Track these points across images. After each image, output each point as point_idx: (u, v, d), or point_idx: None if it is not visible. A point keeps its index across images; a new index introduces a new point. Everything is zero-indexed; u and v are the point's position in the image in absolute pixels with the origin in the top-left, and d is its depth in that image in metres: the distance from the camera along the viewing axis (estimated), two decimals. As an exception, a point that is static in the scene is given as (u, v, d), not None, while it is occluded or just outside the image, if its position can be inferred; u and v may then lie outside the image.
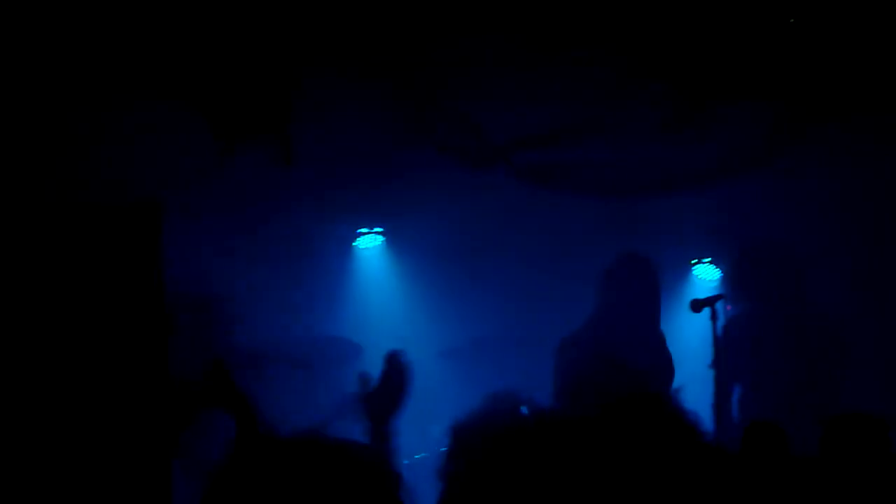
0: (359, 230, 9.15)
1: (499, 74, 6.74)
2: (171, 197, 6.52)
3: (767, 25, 6.53)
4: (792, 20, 6.56)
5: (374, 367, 8.45)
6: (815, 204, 8.13)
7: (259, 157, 6.62)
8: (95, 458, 5.63)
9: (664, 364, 7.26)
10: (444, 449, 2.90)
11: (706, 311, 7.47)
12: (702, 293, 7.75)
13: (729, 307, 8.06)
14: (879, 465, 4.60)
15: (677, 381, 7.13)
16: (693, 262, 9.40)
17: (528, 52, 6.59)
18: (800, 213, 8.18)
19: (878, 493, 4.49)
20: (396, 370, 4.10)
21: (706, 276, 9.30)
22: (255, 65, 6.29)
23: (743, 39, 6.56)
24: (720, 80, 6.65)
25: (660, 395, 2.43)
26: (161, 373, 6.08)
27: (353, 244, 9.20)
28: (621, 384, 6.16)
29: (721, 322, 7.48)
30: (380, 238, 9.17)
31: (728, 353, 7.32)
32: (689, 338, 7.63)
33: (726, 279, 7.97)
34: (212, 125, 6.38)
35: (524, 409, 3.95)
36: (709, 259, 9.35)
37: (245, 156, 6.57)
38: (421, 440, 7.00)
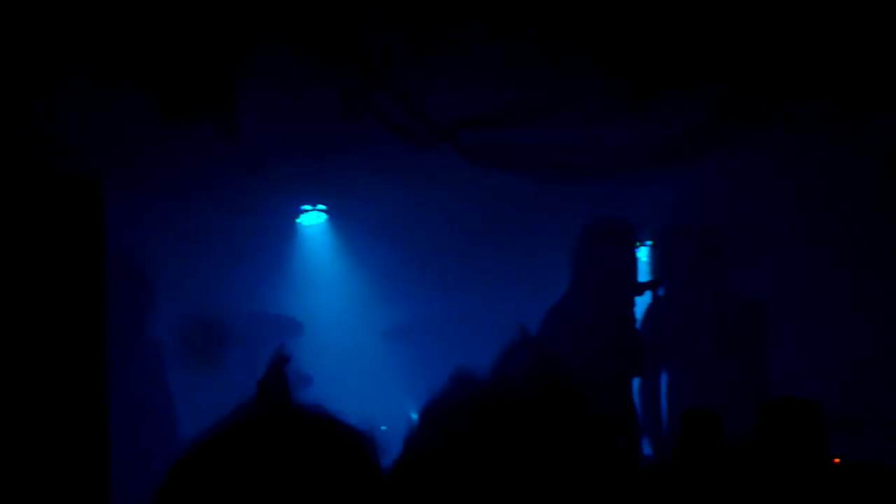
0: (302, 207, 9.12)
1: (445, 53, 6.72)
2: (113, 170, 6.48)
3: (718, 8, 6.55)
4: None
5: (314, 344, 8.50)
6: (760, 189, 8.18)
7: (203, 132, 6.57)
8: (29, 436, 5.58)
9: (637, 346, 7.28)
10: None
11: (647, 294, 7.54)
12: (645, 277, 7.79)
13: (663, 292, 8.10)
14: (813, 450, 4.63)
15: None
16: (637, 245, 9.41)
17: (475, 32, 6.57)
18: (744, 197, 8.22)
19: (812, 479, 4.52)
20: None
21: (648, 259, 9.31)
22: (202, 39, 6.23)
23: (693, 23, 6.57)
24: (668, 64, 6.66)
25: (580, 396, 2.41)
26: (98, 350, 6.04)
27: (297, 221, 9.16)
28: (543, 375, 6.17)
29: (651, 304, 7.55)
30: (323, 215, 9.14)
31: (656, 335, 7.37)
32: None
33: (657, 261, 7.98)
34: (156, 99, 6.32)
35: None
36: (650, 243, 9.37)
37: (189, 130, 6.52)
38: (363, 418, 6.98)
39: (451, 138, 7.30)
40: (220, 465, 1.99)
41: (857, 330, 8.14)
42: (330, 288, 9.22)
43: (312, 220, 9.16)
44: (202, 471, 2.01)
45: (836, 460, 5.78)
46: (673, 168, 7.75)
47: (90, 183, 6.06)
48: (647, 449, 7.27)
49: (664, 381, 7.58)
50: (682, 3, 6.49)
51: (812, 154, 7.71)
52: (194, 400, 7.61)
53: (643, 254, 9.30)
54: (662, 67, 6.64)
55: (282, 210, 8.98)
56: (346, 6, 6.47)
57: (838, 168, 7.80)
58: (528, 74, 6.92)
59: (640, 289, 7.42)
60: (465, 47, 6.70)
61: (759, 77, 6.81)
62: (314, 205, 9.11)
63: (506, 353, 2.55)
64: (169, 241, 8.22)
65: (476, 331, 7.82)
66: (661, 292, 7.88)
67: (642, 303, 7.52)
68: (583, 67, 6.81)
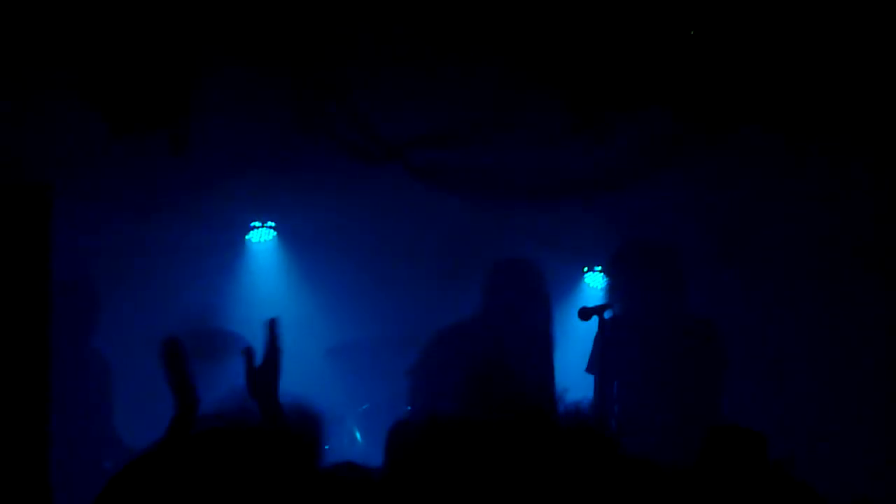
0: (251, 223, 9.10)
1: (396, 73, 6.75)
2: (61, 181, 6.45)
3: (663, 35, 6.61)
4: (692, 32, 6.64)
5: (257, 361, 8.44)
6: (706, 213, 8.25)
7: (152, 145, 6.55)
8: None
9: (544, 372, 7.34)
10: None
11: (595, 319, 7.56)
12: (592, 301, 7.81)
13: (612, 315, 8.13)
14: (755, 478, 4.65)
15: (568, 388, 7.17)
16: (585, 269, 9.45)
17: (426, 53, 6.61)
18: (691, 220, 8.29)
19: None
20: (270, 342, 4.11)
21: (597, 284, 9.35)
22: (150, 53, 6.22)
23: (638, 49, 6.63)
24: (615, 89, 6.70)
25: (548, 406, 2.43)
26: (42, 360, 6.01)
27: (245, 237, 9.14)
28: (509, 391, 6.22)
29: (604, 326, 7.58)
30: (272, 232, 9.12)
31: (606, 358, 7.39)
32: (582, 345, 7.69)
33: (609, 284, 8.01)
34: (105, 112, 6.30)
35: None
36: (600, 267, 9.41)
37: (138, 142, 6.50)
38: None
39: (401, 157, 7.33)
40: (153, 479, 2.00)
41: (798, 356, 8.26)
42: (276, 304, 9.19)
43: (261, 236, 9.13)
44: (135, 484, 2.02)
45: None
46: (621, 190, 7.80)
47: (38, 190, 6.03)
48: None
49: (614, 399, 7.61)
50: (629, 29, 6.54)
51: (755, 178, 7.79)
52: (141, 410, 7.58)
53: (593, 279, 9.37)
54: (611, 91, 6.69)
55: (231, 226, 8.96)
56: (299, 23, 6.48)
57: (779, 192, 7.90)
58: (479, 96, 6.96)
59: (588, 314, 7.45)
60: (417, 67, 6.73)
61: (706, 102, 6.87)
62: (263, 221, 9.09)
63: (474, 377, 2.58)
64: (115, 254, 8.19)
65: (423, 352, 7.85)
66: (607, 315, 7.93)
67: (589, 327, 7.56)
68: (534, 90, 6.86)
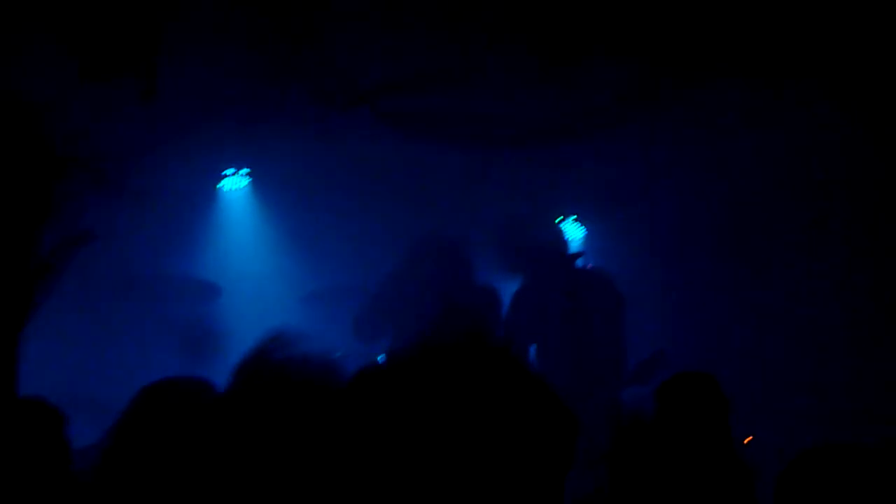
0: (225, 170, 9.06)
1: (367, 21, 6.72)
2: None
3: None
4: None
5: (233, 307, 8.49)
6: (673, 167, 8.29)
7: (121, 93, 6.51)
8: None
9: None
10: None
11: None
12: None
13: (590, 265, 8.15)
14: (717, 422, 4.67)
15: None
16: (559, 219, 9.44)
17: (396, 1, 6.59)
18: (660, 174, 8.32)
19: (718, 455, 4.55)
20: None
21: (571, 233, 9.34)
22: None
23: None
24: (586, 36, 6.69)
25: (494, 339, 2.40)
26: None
27: (219, 184, 9.12)
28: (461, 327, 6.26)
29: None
30: (246, 179, 9.09)
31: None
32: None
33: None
34: (75, 55, 6.24)
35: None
36: (574, 216, 9.42)
37: (107, 89, 6.46)
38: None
39: (372, 105, 7.31)
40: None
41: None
42: (250, 252, 9.19)
43: (235, 184, 9.10)
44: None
45: (749, 439, 5.87)
46: (590, 140, 7.80)
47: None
48: None
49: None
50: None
51: (724, 136, 7.81)
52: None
53: (568, 228, 9.37)
54: (579, 39, 6.67)
55: (204, 173, 8.92)
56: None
57: (747, 152, 7.92)
58: (447, 44, 6.94)
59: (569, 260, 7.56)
60: (386, 14, 6.70)
61: (677, 52, 6.86)
62: (237, 168, 9.06)
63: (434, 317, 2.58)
64: (86, 201, 8.14)
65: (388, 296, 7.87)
66: (588, 265, 8.00)
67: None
68: (503, 37, 6.84)
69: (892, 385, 7.43)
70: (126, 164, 7.68)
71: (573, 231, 9.33)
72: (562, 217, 9.39)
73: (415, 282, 7.42)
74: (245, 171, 9.06)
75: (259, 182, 9.08)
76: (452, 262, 7.46)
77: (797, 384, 7.92)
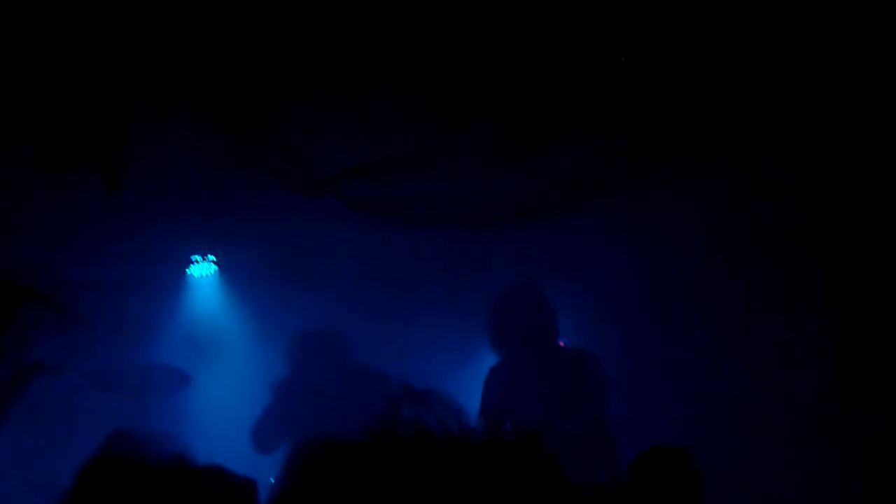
0: (192, 256, 9.06)
1: (329, 105, 6.76)
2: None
3: (599, 61, 6.64)
4: (623, 59, 6.68)
5: (201, 394, 8.44)
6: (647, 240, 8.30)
7: (85, 183, 6.50)
8: None
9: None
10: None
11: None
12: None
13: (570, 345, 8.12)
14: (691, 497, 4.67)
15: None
16: (536, 298, 9.39)
17: (359, 84, 6.62)
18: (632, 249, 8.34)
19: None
20: None
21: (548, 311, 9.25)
22: (84, 90, 6.16)
23: (574, 75, 6.66)
24: (552, 115, 6.73)
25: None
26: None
27: (187, 271, 9.11)
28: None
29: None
30: (213, 266, 9.09)
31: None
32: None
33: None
34: (36, 148, 6.24)
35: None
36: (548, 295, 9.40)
37: (71, 180, 6.45)
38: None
39: (335, 190, 7.33)
40: None
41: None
42: (218, 339, 9.17)
43: (202, 270, 9.09)
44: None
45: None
46: (555, 218, 7.83)
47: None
48: None
49: None
50: (562, 58, 6.57)
51: (688, 205, 7.84)
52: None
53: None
54: (545, 119, 6.72)
55: (171, 260, 8.92)
56: (234, 62, 6.47)
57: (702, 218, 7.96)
58: (412, 128, 6.98)
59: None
60: (351, 100, 6.74)
61: (644, 131, 6.92)
62: (204, 255, 9.06)
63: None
64: (53, 294, 8.12)
65: (363, 383, 7.85)
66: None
67: None
68: (471, 119, 6.88)
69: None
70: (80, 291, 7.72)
71: (548, 309, 9.29)
72: (539, 295, 9.38)
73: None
74: (212, 257, 9.06)
75: (226, 267, 9.08)
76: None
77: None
